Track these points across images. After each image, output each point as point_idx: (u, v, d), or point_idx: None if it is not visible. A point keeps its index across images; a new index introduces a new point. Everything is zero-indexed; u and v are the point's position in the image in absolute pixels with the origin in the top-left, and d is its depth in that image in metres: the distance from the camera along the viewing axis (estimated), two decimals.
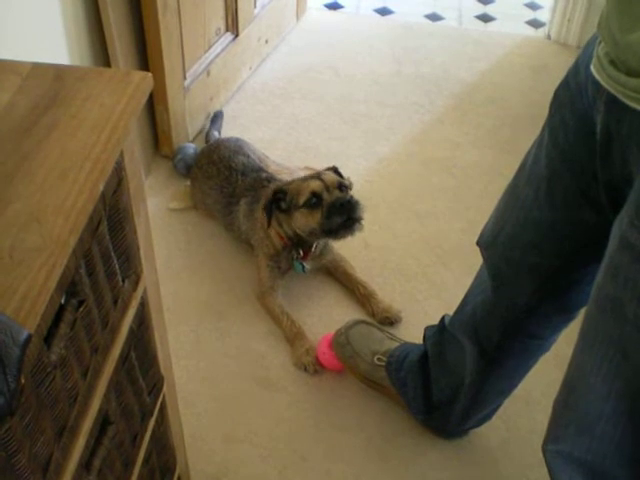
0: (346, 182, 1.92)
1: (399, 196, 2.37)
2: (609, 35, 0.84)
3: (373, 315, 2.00)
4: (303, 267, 2.01)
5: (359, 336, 1.82)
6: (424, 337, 1.67)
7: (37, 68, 0.89)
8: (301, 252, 1.99)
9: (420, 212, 2.31)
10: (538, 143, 1.16)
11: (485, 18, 3.31)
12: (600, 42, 0.90)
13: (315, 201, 1.87)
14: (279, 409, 1.80)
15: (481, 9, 3.37)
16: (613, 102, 0.88)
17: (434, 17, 3.29)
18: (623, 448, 1.02)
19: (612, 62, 0.84)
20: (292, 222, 1.92)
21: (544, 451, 1.16)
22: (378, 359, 1.77)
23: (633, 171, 0.89)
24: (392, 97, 2.77)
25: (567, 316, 1.33)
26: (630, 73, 0.80)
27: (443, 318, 1.61)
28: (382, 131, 2.62)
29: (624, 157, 0.91)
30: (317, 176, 1.91)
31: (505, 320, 1.39)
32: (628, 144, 0.89)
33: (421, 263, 2.16)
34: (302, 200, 1.87)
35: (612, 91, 0.85)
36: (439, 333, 1.61)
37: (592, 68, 0.91)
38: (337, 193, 1.88)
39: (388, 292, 2.06)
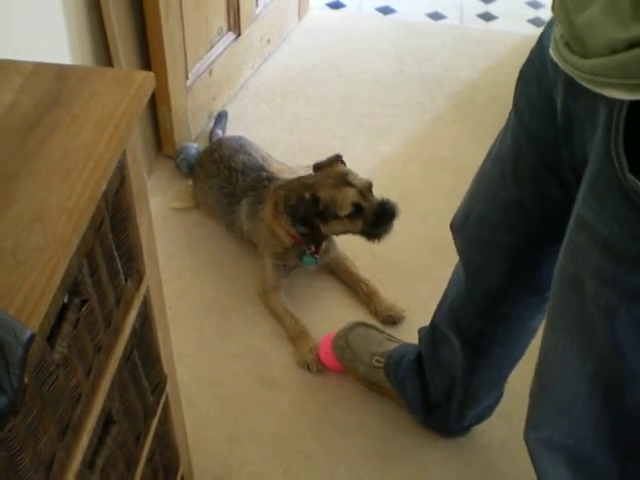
0: (371, 181, 1.91)
1: (402, 195, 2.36)
2: (565, 16, 0.82)
3: (376, 314, 2.00)
4: (316, 259, 2.01)
5: (358, 338, 1.83)
6: (418, 338, 1.68)
7: (39, 68, 0.89)
8: (313, 248, 2.00)
9: (423, 211, 2.31)
10: (505, 126, 1.17)
11: (487, 17, 3.30)
12: (557, 24, 0.88)
13: (356, 211, 1.87)
14: (282, 409, 1.80)
15: (483, 8, 3.36)
16: (571, 83, 0.87)
17: (436, 16, 3.29)
18: (602, 430, 1.02)
19: (567, 44, 0.83)
20: (326, 228, 1.92)
21: (526, 440, 1.16)
22: (377, 360, 1.77)
23: (588, 149, 0.89)
24: (394, 96, 2.77)
25: (541, 296, 1.32)
26: (584, 55, 0.79)
27: (434, 317, 1.61)
28: (384, 130, 2.62)
29: (583, 137, 0.92)
30: (347, 182, 1.88)
31: (480, 305, 1.40)
32: (584, 124, 0.90)
33: (424, 262, 2.16)
34: (344, 212, 1.86)
35: (569, 72, 0.85)
36: (431, 332, 1.61)
37: (550, 50, 0.91)
38: (372, 197, 1.88)
39: (391, 291, 2.06)
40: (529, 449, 1.16)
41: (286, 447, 1.73)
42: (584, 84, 0.81)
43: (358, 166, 2.44)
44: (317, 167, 1.98)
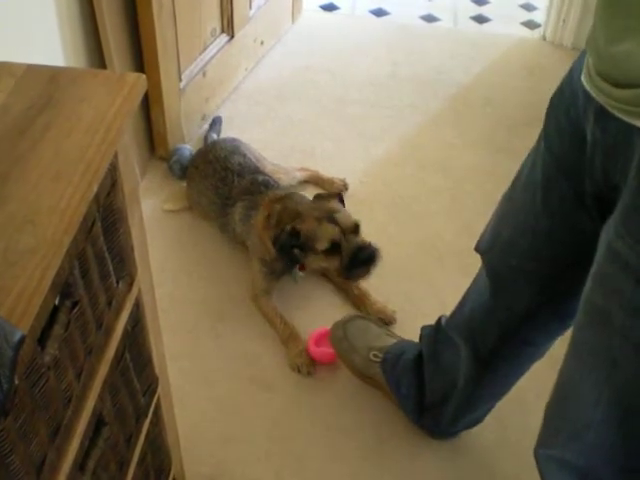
0: (358, 221, 1.89)
1: (395, 197, 2.38)
2: (595, 47, 0.85)
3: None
4: (303, 274, 2.02)
5: (357, 331, 1.82)
6: (420, 336, 1.68)
7: (32, 69, 0.89)
8: (297, 265, 2.00)
9: (416, 213, 2.32)
10: (535, 150, 1.17)
11: (480, 19, 3.31)
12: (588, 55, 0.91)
13: (333, 248, 1.86)
14: (275, 410, 1.80)
15: (476, 10, 3.37)
16: (601, 112, 0.88)
17: (429, 18, 3.30)
18: (614, 456, 1.02)
19: (599, 73, 0.85)
20: (305, 260, 1.92)
21: (536, 455, 1.17)
22: (374, 355, 1.77)
23: (619, 180, 0.89)
24: (387, 98, 2.78)
25: (564, 324, 1.32)
26: (617, 84, 0.81)
27: (440, 319, 1.61)
28: (377, 132, 2.62)
29: (604, 167, 0.92)
30: (332, 218, 1.87)
31: (502, 325, 1.39)
32: (611, 154, 0.90)
33: (417, 264, 2.16)
34: (320, 247, 1.86)
35: (600, 101, 0.86)
36: (435, 333, 1.61)
37: (582, 78, 0.92)
38: (353, 238, 1.86)
39: (384, 293, 2.06)
40: (538, 464, 1.16)
41: (279, 448, 1.73)
42: (616, 113, 0.82)
43: (351, 168, 2.46)
44: (318, 196, 1.99)
